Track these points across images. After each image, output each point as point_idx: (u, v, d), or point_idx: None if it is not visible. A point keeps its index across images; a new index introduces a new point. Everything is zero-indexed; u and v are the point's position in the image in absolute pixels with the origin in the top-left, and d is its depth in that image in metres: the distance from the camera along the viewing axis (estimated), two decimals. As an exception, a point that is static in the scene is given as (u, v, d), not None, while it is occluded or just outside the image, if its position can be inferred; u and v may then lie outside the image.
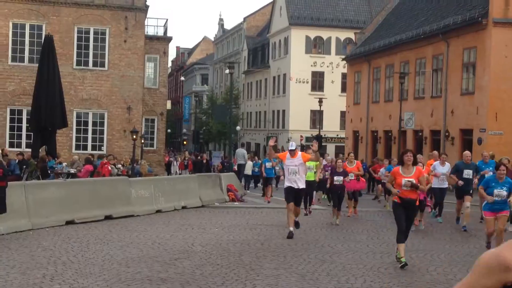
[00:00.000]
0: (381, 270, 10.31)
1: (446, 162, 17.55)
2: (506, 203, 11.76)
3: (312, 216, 18.48)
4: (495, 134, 30.33)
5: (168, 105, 45.87)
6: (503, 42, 30.30)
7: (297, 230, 14.25)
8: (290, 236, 13.59)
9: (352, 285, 9.15)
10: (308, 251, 12.00)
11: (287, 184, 14.11)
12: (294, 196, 13.94)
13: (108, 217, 16.07)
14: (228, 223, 16.34)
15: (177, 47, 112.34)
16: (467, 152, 16.98)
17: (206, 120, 76.75)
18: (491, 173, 14.36)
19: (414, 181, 10.61)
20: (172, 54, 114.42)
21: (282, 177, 27.29)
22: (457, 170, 16.29)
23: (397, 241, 10.79)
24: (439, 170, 17.06)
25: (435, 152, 19.57)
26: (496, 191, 11.57)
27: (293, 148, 14.18)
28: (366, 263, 10.89)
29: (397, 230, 10.83)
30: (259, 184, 30.63)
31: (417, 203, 11.28)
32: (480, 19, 30.67)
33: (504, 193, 11.56)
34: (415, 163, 11.00)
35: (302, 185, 14.07)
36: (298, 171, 13.96)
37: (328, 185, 18.35)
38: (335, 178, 17.03)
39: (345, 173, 17.32)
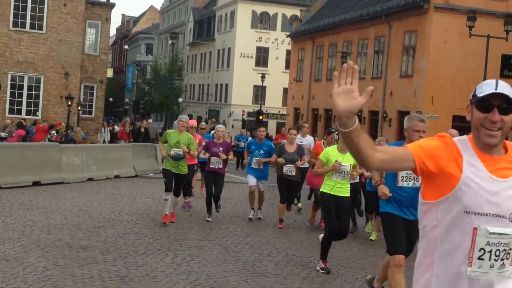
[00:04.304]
0: (304, 244, 10.41)
1: None
2: None
3: (245, 190, 18.44)
4: (431, 118, 30.83)
5: (109, 73, 45.14)
6: (443, 27, 30.80)
7: (226, 204, 14.27)
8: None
9: (274, 258, 9.20)
10: (235, 224, 12.03)
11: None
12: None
13: (36, 183, 15.75)
14: (159, 193, 16.09)
15: (122, 14, 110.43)
16: None
17: (149, 91, 75.86)
18: None
19: None
20: (117, 22, 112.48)
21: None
22: None
23: None
24: None
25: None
26: None
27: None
28: (290, 238, 10.98)
29: None
30: None
31: None
32: (422, 3, 31.06)
33: None
34: None
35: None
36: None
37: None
38: None
39: None
